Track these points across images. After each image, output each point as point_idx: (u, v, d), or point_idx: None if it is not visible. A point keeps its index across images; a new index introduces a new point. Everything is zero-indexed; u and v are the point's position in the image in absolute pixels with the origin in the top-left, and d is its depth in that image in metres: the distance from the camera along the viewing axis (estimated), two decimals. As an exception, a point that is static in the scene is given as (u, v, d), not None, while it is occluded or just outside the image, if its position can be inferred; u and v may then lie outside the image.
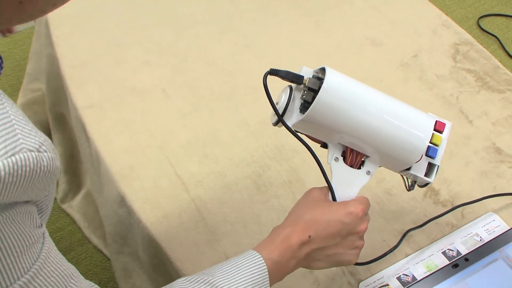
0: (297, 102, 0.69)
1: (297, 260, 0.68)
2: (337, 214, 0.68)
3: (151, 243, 0.92)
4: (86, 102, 1.08)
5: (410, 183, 0.76)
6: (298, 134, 0.71)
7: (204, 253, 0.89)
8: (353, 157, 0.72)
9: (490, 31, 2.60)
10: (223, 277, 0.63)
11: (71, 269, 0.55)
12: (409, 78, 1.21)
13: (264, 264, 0.64)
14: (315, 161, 0.70)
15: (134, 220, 0.95)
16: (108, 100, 1.09)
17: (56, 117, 1.32)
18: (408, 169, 0.73)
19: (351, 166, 0.72)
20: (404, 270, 0.88)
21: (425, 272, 0.88)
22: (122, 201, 0.96)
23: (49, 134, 1.44)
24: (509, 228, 0.94)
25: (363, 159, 0.72)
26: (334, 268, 0.87)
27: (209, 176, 0.99)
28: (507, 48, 2.51)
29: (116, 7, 1.31)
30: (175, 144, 1.03)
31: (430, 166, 0.74)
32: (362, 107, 0.67)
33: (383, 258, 0.88)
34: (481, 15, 2.69)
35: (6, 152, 0.39)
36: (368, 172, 0.72)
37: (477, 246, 0.91)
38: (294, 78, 0.68)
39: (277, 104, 0.71)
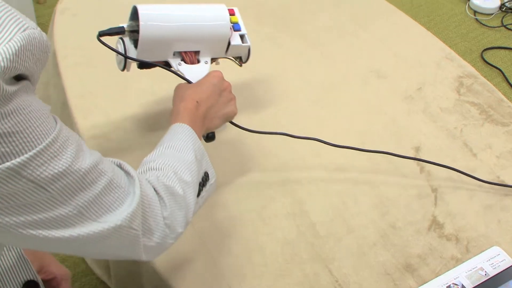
0: (132, 45, 0.91)
1: (200, 119, 0.87)
2: (206, 81, 0.91)
3: (155, 275, 0.91)
4: (92, 133, 1.09)
5: (238, 61, 1.03)
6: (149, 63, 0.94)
7: (208, 285, 0.88)
8: (189, 57, 0.95)
9: (493, 64, 2.62)
10: (172, 147, 0.80)
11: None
12: (413, 111, 1.22)
13: (187, 125, 0.83)
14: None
15: (138, 251, 0.95)
16: (114, 131, 1.10)
17: (62, 146, 1.33)
18: (229, 45, 0.97)
19: (192, 63, 0.95)
20: (409, 304, 0.88)
21: (430, 307, 0.87)
22: (126, 232, 0.96)
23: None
24: (514, 262, 0.94)
25: (197, 57, 0.96)
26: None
27: (214, 208, 0.99)
28: (510, 81, 2.52)
29: (124, 39, 1.33)
30: (180, 175, 1.04)
31: (242, 37, 1.00)
32: (175, 22, 0.91)
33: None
34: (485, 48, 2.72)
35: (19, 29, 0.52)
36: (206, 62, 0.96)
37: (482, 281, 0.91)
38: (118, 30, 0.89)
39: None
